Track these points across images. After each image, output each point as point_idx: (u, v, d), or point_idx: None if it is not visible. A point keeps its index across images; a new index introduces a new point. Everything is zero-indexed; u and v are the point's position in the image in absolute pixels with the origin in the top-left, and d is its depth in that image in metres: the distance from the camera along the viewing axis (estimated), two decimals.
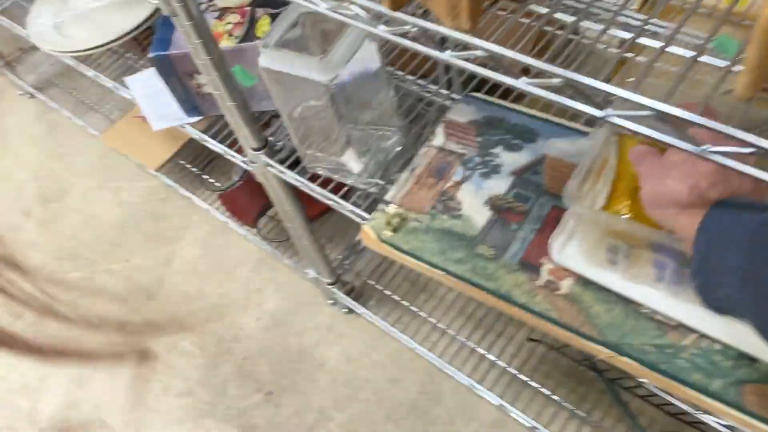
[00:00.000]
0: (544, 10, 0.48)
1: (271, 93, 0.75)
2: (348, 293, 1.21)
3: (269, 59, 0.70)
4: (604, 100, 0.41)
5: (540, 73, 0.42)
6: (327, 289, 1.19)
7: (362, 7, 0.48)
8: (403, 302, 1.19)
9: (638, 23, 0.59)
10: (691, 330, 0.62)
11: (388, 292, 1.21)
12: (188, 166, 1.49)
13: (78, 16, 1.19)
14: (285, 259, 1.30)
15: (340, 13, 0.50)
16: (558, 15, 0.59)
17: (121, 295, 1.37)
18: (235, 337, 1.26)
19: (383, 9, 0.45)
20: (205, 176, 1.45)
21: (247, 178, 1.32)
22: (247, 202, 1.32)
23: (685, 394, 0.61)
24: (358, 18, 0.49)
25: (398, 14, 0.45)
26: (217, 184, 1.44)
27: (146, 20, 1.16)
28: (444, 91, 0.92)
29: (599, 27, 0.60)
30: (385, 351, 1.19)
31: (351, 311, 1.24)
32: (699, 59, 0.41)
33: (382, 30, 0.47)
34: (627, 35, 0.58)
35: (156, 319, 1.32)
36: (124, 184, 1.57)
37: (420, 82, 0.94)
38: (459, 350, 1.12)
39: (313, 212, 1.18)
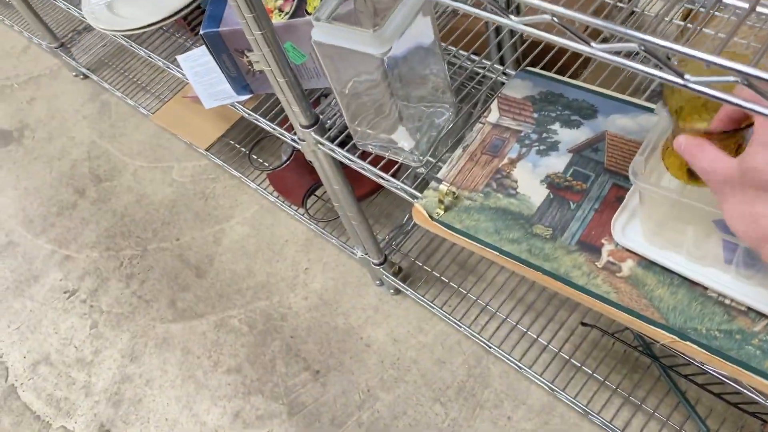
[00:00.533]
0: None
1: (324, 68, 0.73)
2: (395, 274, 1.20)
3: (321, 33, 0.69)
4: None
5: (611, 39, 0.39)
6: (374, 269, 1.19)
7: None
8: (452, 284, 1.17)
9: None
10: (762, 315, 0.59)
11: (436, 274, 1.19)
12: (237, 146, 1.50)
13: None
14: (333, 239, 1.30)
15: None
16: None
17: (171, 273, 1.39)
18: (283, 316, 1.27)
19: None
20: (253, 156, 1.45)
21: (296, 157, 1.32)
22: (296, 181, 1.32)
23: (755, 382, 0.57)
24: None
25: None
26: (266, 164, 1.44)
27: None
28: (498, 67, 0.89)
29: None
30: (432, 333, 1.17)
31: (398, 292, 1.23)
32: None
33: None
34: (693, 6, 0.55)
35: (205, 297, 1.34)
36: (175, 163, 1.59)
37: (473, 57, 0.91)
38: (509, 334, 1.10)
39: (362, 192, 1.17)
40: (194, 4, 1.16)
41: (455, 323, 1.12)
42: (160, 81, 1.70)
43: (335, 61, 0.72)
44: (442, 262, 1.22)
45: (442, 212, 0.74)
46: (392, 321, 1.21)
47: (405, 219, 1.26)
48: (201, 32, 0.93)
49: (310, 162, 1.20)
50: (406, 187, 0.79)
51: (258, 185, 1.42)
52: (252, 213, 1.44)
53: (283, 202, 1.37)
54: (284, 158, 1.35)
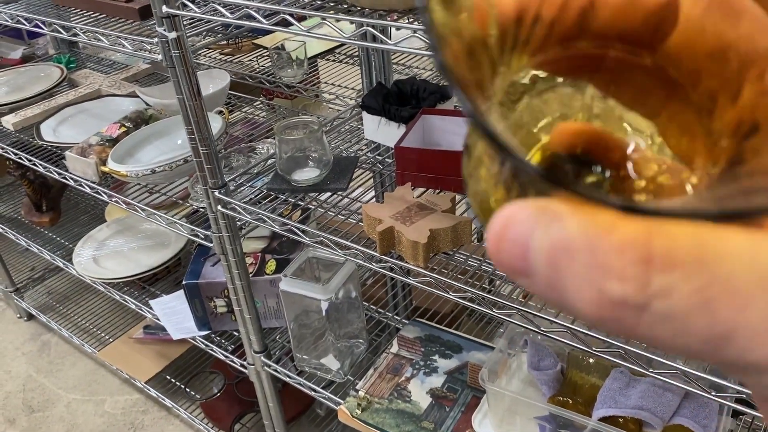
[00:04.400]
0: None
1: (284, 308, 1.09)
2: None
3: (286, 284, 1.06)
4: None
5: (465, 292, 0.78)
6: None
7: (360, 251, 0.86)
8: None
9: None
10: None
11: None
12: (173, 380, 1.74)
13: (114, 252, 1.54)
14: None
15: (345, 255, 0.88)
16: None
17: None
18: None
19: (375, 253, 0.83)
20: (187, 389, 1.69)
21: (225, 390, 1.59)
22: (225, 410, 1.57)
23: None
24: (357, 257, 0.86)
25: (384, 257, 0.83)
26: (197, 396, 1.68)
27: (167, 261, 1.52)
28: (396, 317, 1.28)
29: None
30: None
31: None
32: None
33: (375, 266, 0.84)
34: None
35: None
36: (108, 397, 1.78)
37: (380, 310, 1.30)
38: None
39: (289, 416, 1.44)
40: (164, 266, 1.52)
41: None
42: (102, 325, 1.96)
43: (293, 303, 1.08)
44: None
45: (359, 412, 1.05)
46: None
47: None
48: (183, 282, 1.27)
49: (239, 394, 1.50)
50: (332, 396, 1.10)
51: (189, 414, 1.64)
52: None
53: (210, 427, 1.59)
54: (215, 390, 1.61)
